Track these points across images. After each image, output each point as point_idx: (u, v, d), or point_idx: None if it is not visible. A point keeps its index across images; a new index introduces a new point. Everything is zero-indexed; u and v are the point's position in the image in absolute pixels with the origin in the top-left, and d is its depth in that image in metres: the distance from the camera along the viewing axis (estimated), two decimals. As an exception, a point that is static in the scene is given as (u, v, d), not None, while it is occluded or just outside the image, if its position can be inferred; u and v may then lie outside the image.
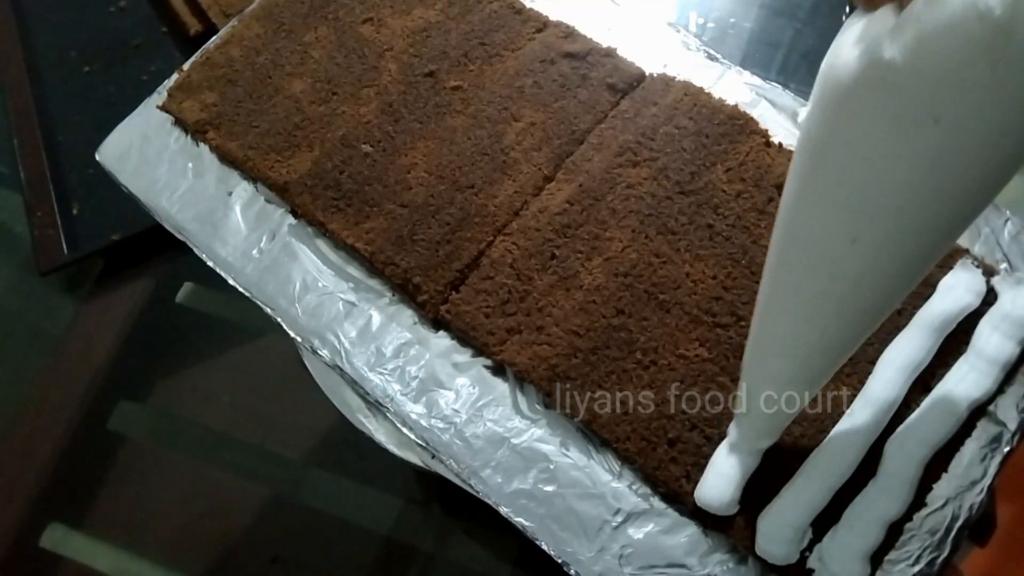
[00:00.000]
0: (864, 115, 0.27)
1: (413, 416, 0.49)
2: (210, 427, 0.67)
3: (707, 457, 0.44)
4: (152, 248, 0.73)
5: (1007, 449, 0.44)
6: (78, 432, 0.68)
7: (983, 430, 0.44)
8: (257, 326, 0.70)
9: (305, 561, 0.61)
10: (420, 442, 0.49)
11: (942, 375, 0.44)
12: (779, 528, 0.41)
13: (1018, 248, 0.49)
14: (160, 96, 0.62)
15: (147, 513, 0.65)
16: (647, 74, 0.56)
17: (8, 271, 0.77)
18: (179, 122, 0.61)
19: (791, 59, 0.73)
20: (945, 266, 0.47)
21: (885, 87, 0.26)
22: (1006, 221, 0.49)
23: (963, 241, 0.48)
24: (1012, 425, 0.44)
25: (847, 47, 0.27)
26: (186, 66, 0.63)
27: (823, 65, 0.28)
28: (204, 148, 0.60)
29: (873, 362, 0.45)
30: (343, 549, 0.61)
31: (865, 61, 0.26)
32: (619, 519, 0.45)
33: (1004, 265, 0.48)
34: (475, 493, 0.47)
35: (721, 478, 0.43)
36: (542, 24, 0.59)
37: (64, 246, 0.72)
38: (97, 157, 0.62)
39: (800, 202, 0.31)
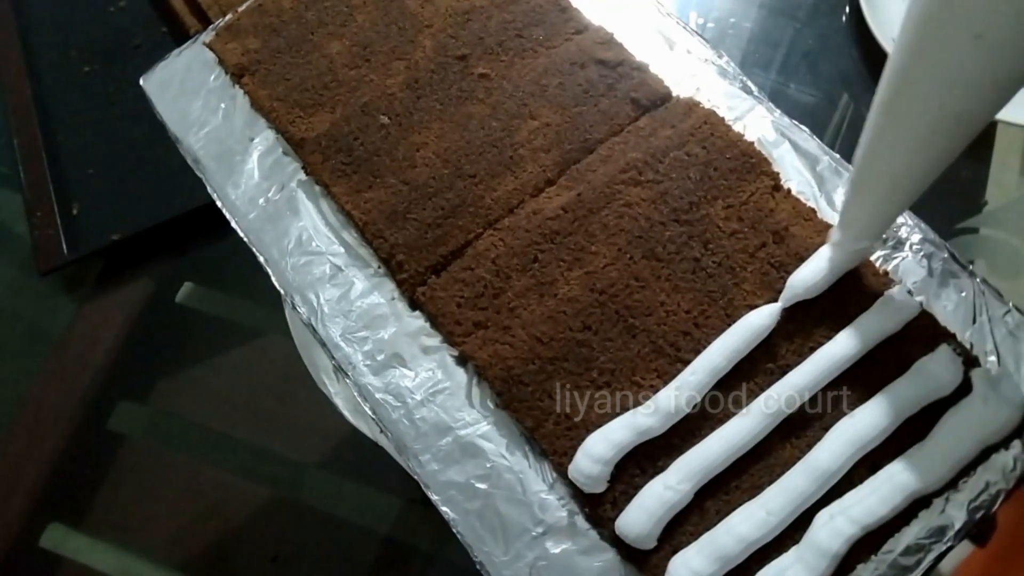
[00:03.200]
0: None
1: (369, 387, 0.50)
2: (210, 427, 0.68)
3: (638, 488, 0.44)
4: (152, 248, 0.74)
5: (947, 546, 0.42)
6: (78, 432, 0.68)
7: (926, 521, 0.43)
8: (257, 326, 0.70)
9: (305, 561, 0.62)
10: (371, 414, 0.50)
11: (894, 457, 0.43)
12: (687, 574, 0.41)
13: (1012, 343, 0.46)
14: (211, 34, 0.64)
15: (147, 513, 0.65)
16: (674, 95, 0.55)
17: (8, 271, 0.77)
18: (221, 62, 0.63)
19: (791, 59, 0.71)
20: (927, 347, 0.45)
21: None
22: (1006, 313, 0.47)
23: (952, 326, 0.46)
24: (957, 524, 0.42)
25: None
26: (240, 8, 0.65)
27: None
28: (239, 91, 0.62)
29: (827, 428, 0.44)
30: (343, 549, 0.62)
31: None
32: (540, 530, 0.45)
33: (992, 358, 0.46)
34: (412, 475, 0.48)
35: (643, 511, 0.43)
36: (583, 26, 0.58)
37: (64, 246, 0.72)
38: (141, 82, 0.64)
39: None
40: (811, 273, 0.46)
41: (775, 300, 0.47)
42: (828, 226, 0.49)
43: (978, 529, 0.43)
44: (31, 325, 0.75)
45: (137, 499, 0.66)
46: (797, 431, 0.44)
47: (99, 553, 0.64)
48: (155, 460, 0.67)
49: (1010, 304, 0.47)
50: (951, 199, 0.66)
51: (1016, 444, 0.43)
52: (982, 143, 0.67)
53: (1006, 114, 0.63)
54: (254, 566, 0.62)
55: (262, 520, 0.64)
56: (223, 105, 0.62)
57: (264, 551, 0.62)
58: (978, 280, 0.48)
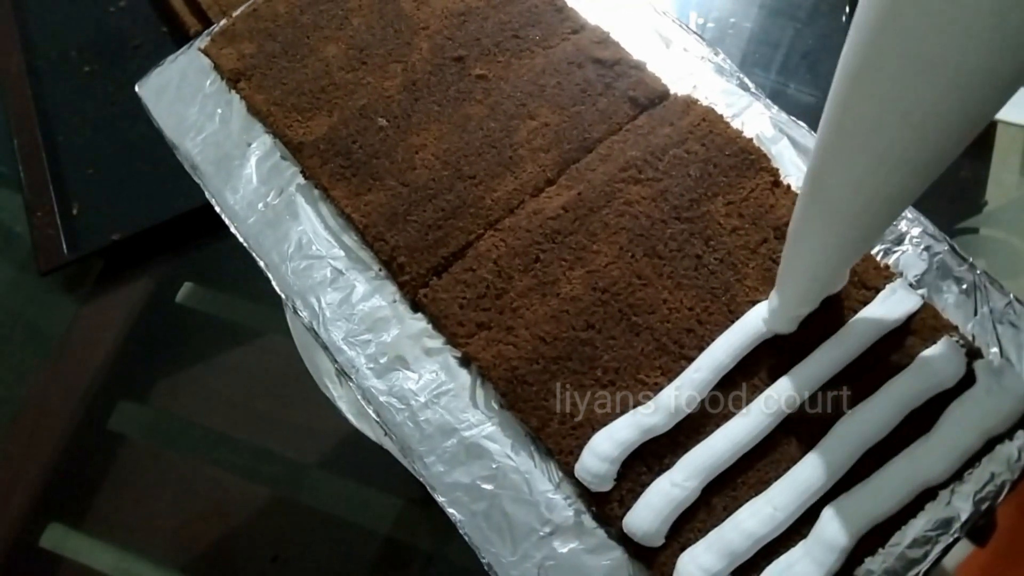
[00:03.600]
0: None
1: (373, 390, 0.50)
2: (210, 427, 0.67)
3: (645, 486, 0.44)
4: (152, 248, 0.73)
5: (954, 538, 0.42)
6: (78, 432, 0.68)
7: (932, 513, 0.43)
8: (257, 326, 0.70)
9: (305, 561, 0.62)
10: (375, 417, 0.50)
11: (899, 450, 0.43)
12: (696, 571, 0.41)
13: (1014, 334, 0.46)
14: (206, 39, 0.64)
15: (147, 513, 0.65)
16: (672, 93, 0.55)
17: (8, 271, 0.77)
18: (217, 67, 0.63)
19: (791, 59, 0.72)
20: (929, 340, 0.45)
21: None
22: (1007, 305, 0.47)
23: (954, 319, 0.46)
24: (964, 515, 0.42)
25: None
26: (235, 13, 0.65)
27: None
28: (235, 96, 0.62)
29: (832, 423, 0.44)
30: (343, 549, 0.62)
31: None
32: (547, 530, 0.45)
33: (994, 349, 0.46)
34: (417, 477, 0.48)
35: (651, 509, 0.43)
36: (579, 26, 0.58)
37: (64, 246, 0.72)
38: (137, 88, 0.64)
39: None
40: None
41: (777, 296, 0.47)
42: (828, 221, 0.49)
43: (981, 524, 0.43)
44: (31, 325, 0.74)
45: (137, 499, 0.66)
46: (803, 426, 0.44)
47: (99, 553, 0.64)
48: (155, 460, 0.67)
49: (1011, 296, 0.47)
50: (951, 199, 0.66)
51: (1020, 435, 0.43)
52: (982, 143, 0.66)
53: (1006, 114, 0.63)
54: (254, 566, 0.62)
55: (262, 520, 0.64)
56: (219, 110, 0.62)
57: (264, 551, 0.62)
58: (979, 272, 0.48)
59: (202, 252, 0.73)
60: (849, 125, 0.33)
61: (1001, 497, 0.43)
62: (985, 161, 0.66)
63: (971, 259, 0.49)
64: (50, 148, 0.79)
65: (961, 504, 0.43)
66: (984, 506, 0.43)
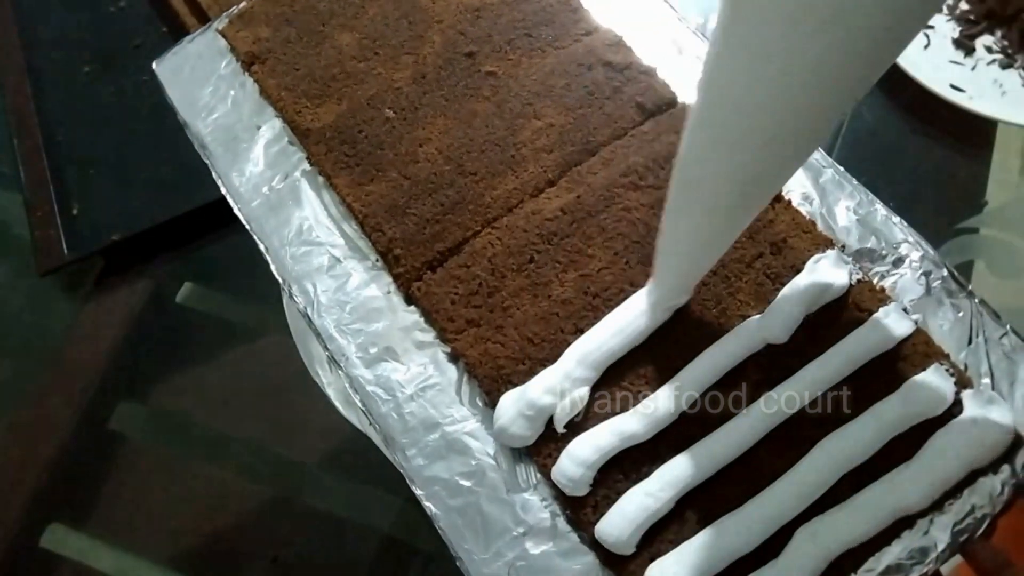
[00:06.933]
0: None
1: (360, 380, 0.50)
2: (210, 427, 0.68)
3: (620, 493, 0.44)
4: (152, 248, 0.74)
5: (928, 568, 0.42)
6: (78, 432, 0.68)
7: (908, 541, 0.42)
8: (257, 326, 0.70)
9: (305, 561, 0.62)
10: (361, 406, 0.50)
11: (880, 475, 0.42)
12: (664, 582, 0.41)
13: (1008, 366, 0.46)
14: (224, 20, 0.65)
15: (147, 513, 0.66)
16: (680, 101, 0.55)
17: (8, 271, 0.78)
18: (233, 49, 0.63)
19: None
20: (919, 366, 0.45)
21: None
22: (1003, 335, 0.46)
23: (947, 346, 0.46)
24: (941, 545, 0.42)
25: None
26: (255, -4, 0.65)
27: None
28: (248, 79, 0.62)
29: (813, 443, 0.43)
30: (343, 549, 0.62)
31: None
32: (521, 530, 0.45)
33: (986, 380, 0.45)
34: (398, 468, 0.48)
35: (624, 517, 0.43)
36: (592, 28, 0.58)
37: (64, 246, 0.73)
38: (154, 66, 0.65)
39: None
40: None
41: (769, 312, 0.47)
42: (827, 239, 0.49)
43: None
44: (31, 325, 0.75)
45: (137, 499, 0.66)
46: (782, 445, 0.44)
47: (99, 553, 0.64)
48: (155, 460, 0.68)
49: (1007, 327, 0.47)
50: (951, 199, 0.65)
51: (1004, 468, 0.43)
52: (982, 143, 0.66)
53: (1006, 114, 0.63)
54: (254, 566, 0.63)
55: (262, 520, 0.64)
56: (232, 92, 0.62)
57: (264, 551, 0.63)
58: (976, 301, 0.47)
59: (202, 252, 0.74)
60: (712, 109, 0.34)
61: (980, 530, 0.42)
62: (985, 161, 0.66)
63: (969, 287, 0.48)
64: (50, 148, 0.79)
65: (939, 534, 0.42)
66: (962, 538, 0.42)
